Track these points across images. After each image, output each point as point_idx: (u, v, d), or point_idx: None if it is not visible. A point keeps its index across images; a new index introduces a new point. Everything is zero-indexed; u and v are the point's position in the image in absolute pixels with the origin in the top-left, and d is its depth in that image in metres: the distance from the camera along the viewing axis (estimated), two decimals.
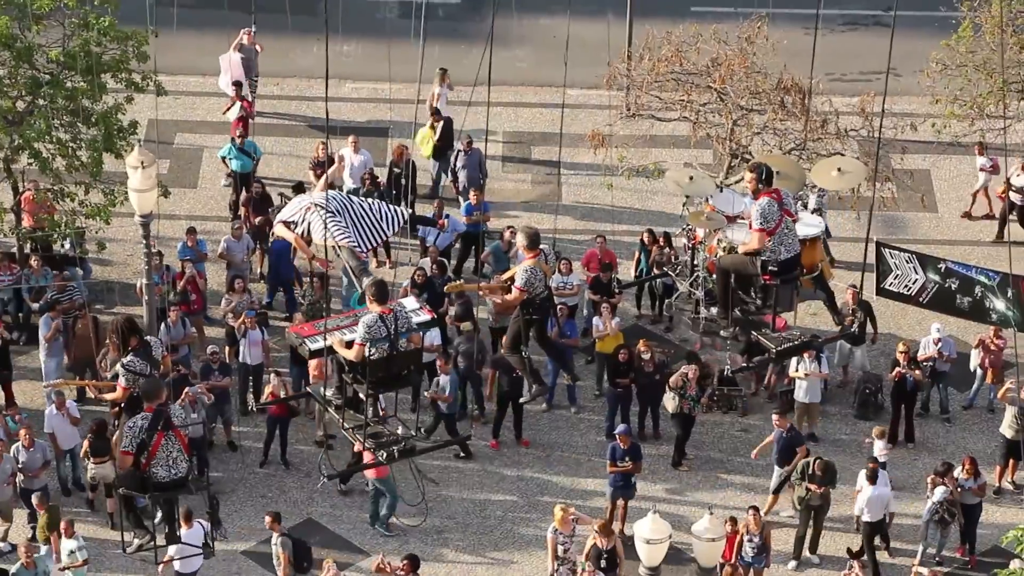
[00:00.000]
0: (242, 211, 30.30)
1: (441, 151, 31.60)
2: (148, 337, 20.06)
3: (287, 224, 20.35)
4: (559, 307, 28.12)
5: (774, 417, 26.17)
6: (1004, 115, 29.34)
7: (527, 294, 20.09)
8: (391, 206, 20.41)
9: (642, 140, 31.01)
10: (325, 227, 19.87)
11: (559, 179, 32.18)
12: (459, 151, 31.08)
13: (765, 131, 29.74)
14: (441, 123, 31.66)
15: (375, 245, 20.99)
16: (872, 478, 25.39)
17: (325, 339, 19.62)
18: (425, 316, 20.15)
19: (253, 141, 30.92)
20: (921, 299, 29.34)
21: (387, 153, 31.65)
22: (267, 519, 25.04)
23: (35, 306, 28.37)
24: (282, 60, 33.89)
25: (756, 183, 20.16)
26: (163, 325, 27.61)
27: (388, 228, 20.43)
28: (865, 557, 25.08)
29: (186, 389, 26.34)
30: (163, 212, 28.91)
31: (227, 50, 32.38)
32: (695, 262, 22.33)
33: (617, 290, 28.49)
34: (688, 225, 21.91)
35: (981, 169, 31.24)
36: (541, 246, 20.33)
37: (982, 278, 28.69)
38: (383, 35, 33.64)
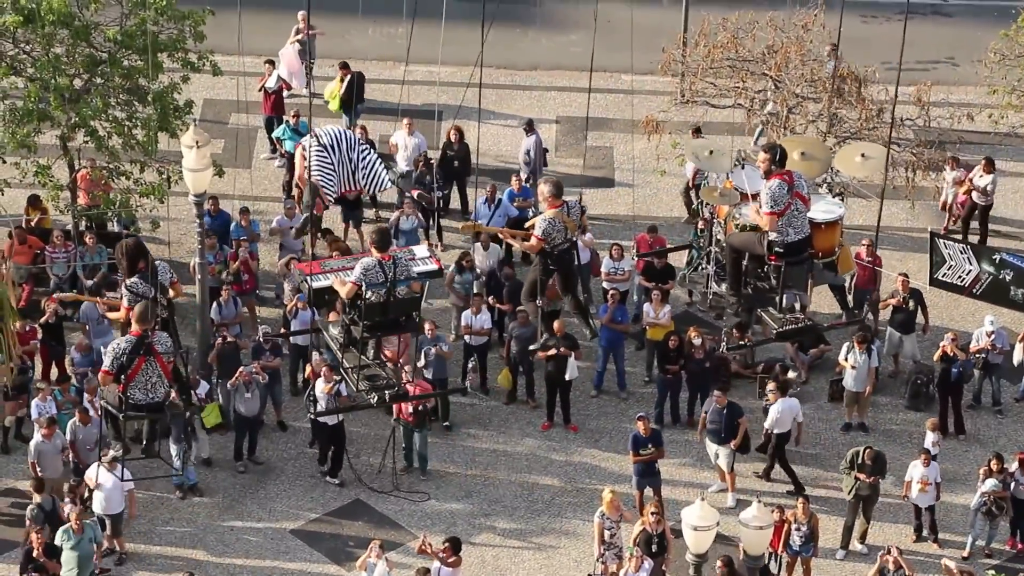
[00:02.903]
0: (295, 192, 30.39)
1: (348, 104, 31.65)
2: (157, 261, 20.43)
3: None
4: (611, 293, 28.17)
5: (715, 394, 26.05)
6: None
7: (546, 244, 20.35)
8: (380, 168, 20.88)
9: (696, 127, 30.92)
10: (308, 159, 20.43)
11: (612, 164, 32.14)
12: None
13: (820, 119, 29.62)
14: (349, 76, 31.61)
15: (344, 192, 21.40)
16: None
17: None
18: (431, 266, 20.64)
19: (306, 122, 31.03)
20: (975, 290, 29.16)
21: (439, 136, 31.69)
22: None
23: (90, 283, 28.55)
24: (338, 42, 33.95)
25: (769, 163, 20.17)
26: (215, 304, 27.76)
27: (365, 183, 20.95)
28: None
29: (240, 369, 26.52)
30: (217, 192, 29.09)
31: (286, 34, 32.50)
32: (713, 237, 22.20)
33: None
34: (702, 200, 21.89)
35: (956, 182, 30.58)
36: (566, 198, 20.53)
37: None
38: (439, 18, 33.68)
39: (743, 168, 21.61)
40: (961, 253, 29.19)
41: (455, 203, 31.16)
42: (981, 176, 30.38)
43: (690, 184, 30.46)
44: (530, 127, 31.13)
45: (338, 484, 26.52)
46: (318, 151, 21.19)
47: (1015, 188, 31.82)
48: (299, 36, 32.62)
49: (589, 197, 31.44)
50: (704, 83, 30.59)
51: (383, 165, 25.30)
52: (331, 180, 21.71)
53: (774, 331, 21.00)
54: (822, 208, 20.95)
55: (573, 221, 20.79)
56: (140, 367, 19.80)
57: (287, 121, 31.40)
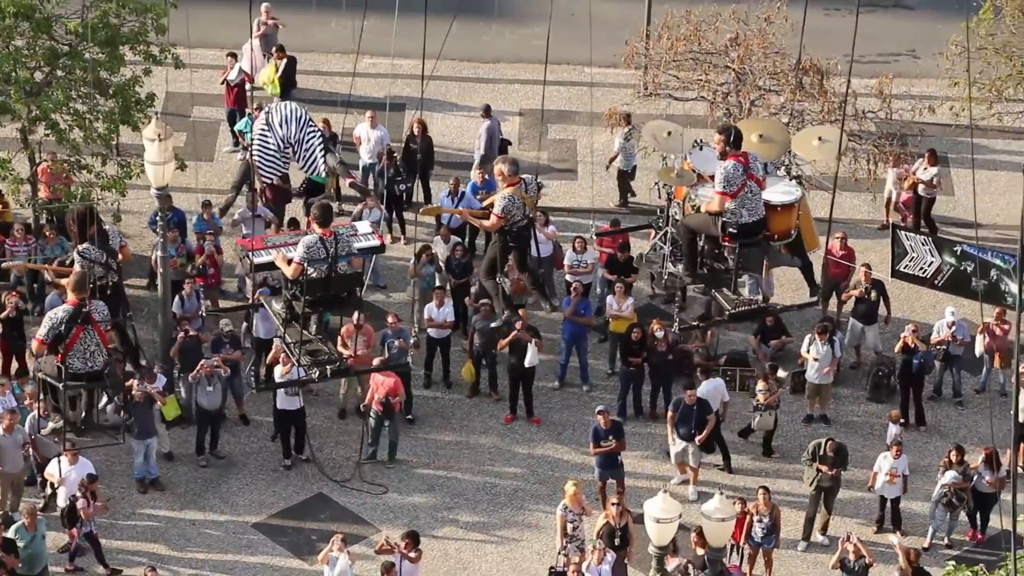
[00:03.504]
0: (258, 183, 30.31)
1: (286, 88, 31.73)
2: (107, 227, 20.49)
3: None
4: (574, 286, 28.20)
5: (687, 393, 26.11)
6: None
7: (505, 221, 20.45)
8: (319, 152, 21.01)
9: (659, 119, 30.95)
10: (254, 135, 20.63)
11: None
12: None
13: (783, 111, 29.68)
14: (285, 60, 31.66)
15: (275, 176, 21.54)
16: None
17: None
18: (372, 242, 20.82)
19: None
20: (936, 282, 29.27)
21: (403, 128, 31.66)
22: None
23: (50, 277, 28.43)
24: (301, 35, 33.88)
25: (724, 145, 20.29)
26: (177, 298, 27.67)
27: (302, 164, 21.07)
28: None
29: (202, 362, 26.45)
30: (179, 185, 28.99)
31: (246, 29, 32.40)
32: (670, 217, 22.23)
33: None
34: (659, 180, 21.94)
35: (901, 178, 30.57)
36: (523, 176, 20.68)
37: (998, 261, 28.58)
38: (402, 10, 33.60)
39: (701, 150, 21.68)
40: (923, 245, 29.29)
41: (418, 196, 31.12)
42: (925, 169, 30.44)
43: (608, 163, 30.65)
44: (487, 112, 31.16)
45: (288, 466, 26.43)
46: (261, 131, 21.43)
47: (976, 179, 31.90)
48: (263, 30, 32.56)
49: (552, 190, 31.47)
50: (667, 76, 30.64)
51: (323, 151, 25.40)
52: (269, 161, 21.86)
53: (727, 312, 21.16)
54: (779, 190, 21.01)
55: (531, 197, 20.98)
56: (78, 336, 19.86)
57: (249, 114, 31.33)
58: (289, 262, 20.20)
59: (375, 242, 21.03)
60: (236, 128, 31.80)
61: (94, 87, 28.03)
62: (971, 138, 29.62)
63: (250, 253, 20.71)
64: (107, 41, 27.95)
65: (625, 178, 31.17)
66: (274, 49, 32.15)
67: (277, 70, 31.94)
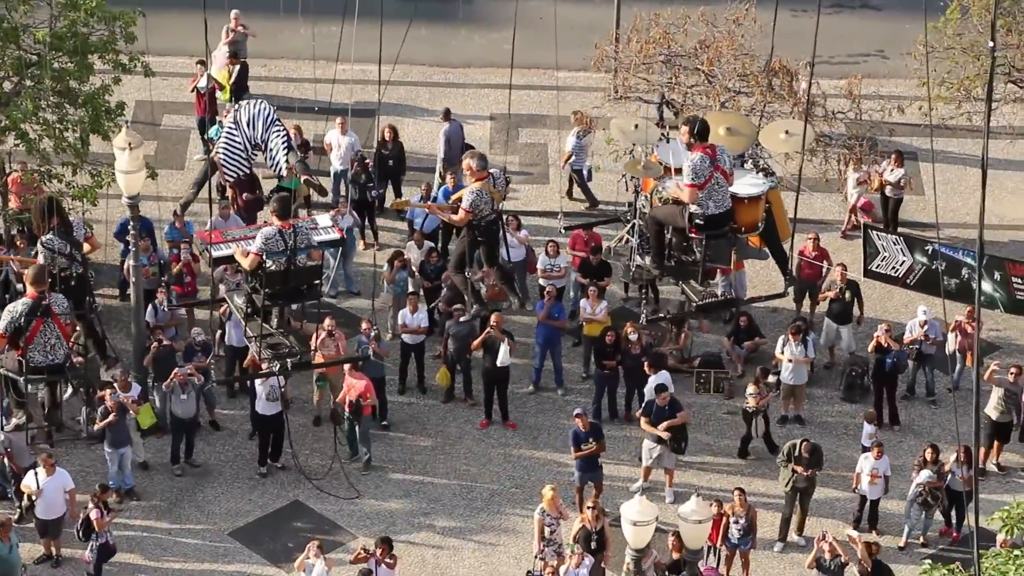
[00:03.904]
0: (229, 192, 30.26)
1: (238, 95, 31.77)
2: (72, 218, 20.52)
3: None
4: (547, 289, 28.23)
5: (660, 395, 26.11)
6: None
7: (472, 215, 20.55)
8: (281, 153, 21.09)
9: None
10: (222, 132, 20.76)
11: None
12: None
13: (753, 113, 29.77)
14: (238, 66, 31.70)
15: (237, 176, 21.72)
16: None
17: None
18: (332, 235, 20.98)
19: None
20: (908, 281, 29.41)
21: (374, 134, 31.64)
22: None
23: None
24: (270, 42, 33.85)
25: (689, 136, 20.41)
26: (150, 306, 27.61)
27: (271, 165, 21.22)
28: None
29: (175, 370, 26.39)
30: (150, 194, 28.92)
31: (217, 35, 32.38)
32: (637, 210, 22.33)
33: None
34: (626, 173, 22.11)
35: (860, 182, 30.61)
36: (491, 170, 20.79)
37: (969, 260, 28.74)
38: (372, 16, 33.55)
39: (668, 142, 21.79)
40: (895, 244, 29.42)
41: (390, 202, 31.12)
42: (892, 170, 30.55)
43: (563, 163, 30.74)
44: (447, 116, 31.18)
45: (263, 474, 26.39)
46: (229, 129, 21.57)
47: (945, 180, 32.07)
48: (232, 36, 32.50)
49: (524, 194, 31.50)
50: (637, 79, 30.70)
51: (286, 150, 25.48)
52: (233, 160, 21.93)
53: (694, 304, 21.29)
54: (746, 182, 21.13)
55: (499, 192, 21.09)
56: (38, 329, 19.88)
57: (219, 122, 31.27)
58: (247, 255, 20.26)
59: (335, 235, 21.25)
60: (207, 136, 31.74)
61: (63, 96, 27.94)
62: (931, 136, 29.76)
63: (209, 247, 20.86)
64: (76, 50, 27.86)
65: (582, 178, 31.22)
66: (226, 55, 32.09)
67: (230, 76, 31.91)
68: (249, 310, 20.89)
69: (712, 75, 30.13)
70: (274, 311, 20.95)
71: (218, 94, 31.88)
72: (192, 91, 32.00)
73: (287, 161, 26.33)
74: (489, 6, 35.48)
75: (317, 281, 20.83)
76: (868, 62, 34.08)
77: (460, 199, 21.06)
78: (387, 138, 30.81)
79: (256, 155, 23.38)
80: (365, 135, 31.65)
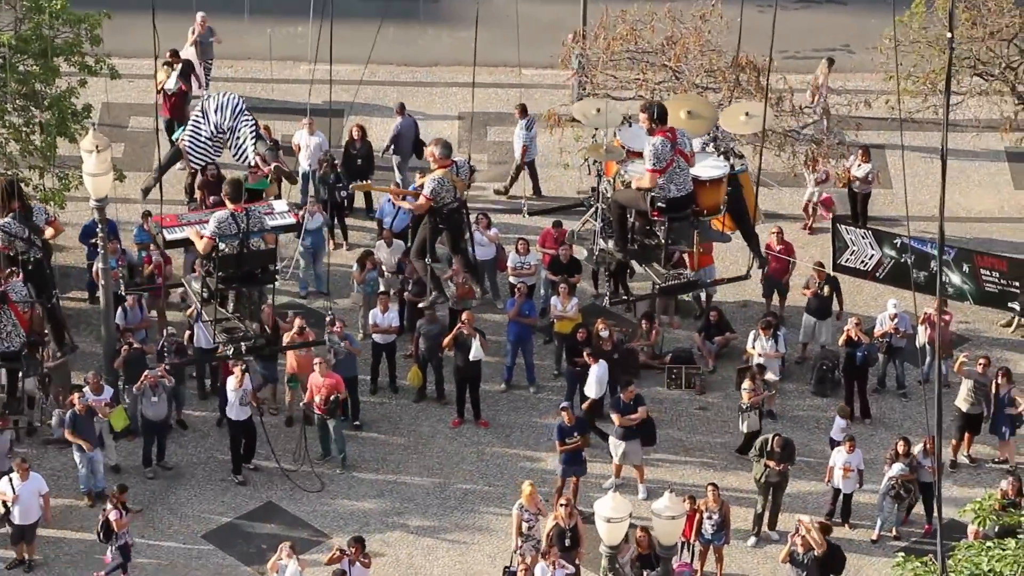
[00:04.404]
0: (198, 194, 30.22)
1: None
2: (33, 203, 20.45)
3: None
4: (518, 287, 28.24)
5: (627, 389, 26.13)
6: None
7: (433, 202, 20.76)
8: (249, 142, 21.13)
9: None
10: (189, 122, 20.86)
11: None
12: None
13: (720, 108, 29.79)
14: (180, 65, 31.60)
15: (205, 164, 21.83)
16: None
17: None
18: (287, 219, 21.07)
19: None
20: (877, 274, 29.50)
21: (342, 134, 31.60)
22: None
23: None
24: (236, 43, 33.77)
25: (649, 122, 20.50)
26: (120, 309, 27.52)
27: (234, 151, 21.32)
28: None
29: (146, 372, 26.32)
30: (118, 196, 28.83)
31: (184, 37, 32.26)
32: (601, 194, 22.36)
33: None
34: (588, 157, 22.12)
35: (818, 182, 30.63)
36: (455, 158, 20.89)
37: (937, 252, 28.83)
38: (340, 16, 33.48)
39: (630, 126, 21.82)
40: (863, 238, 29.52)
41: (360, 202, 31.10)
42: (859, 166, 30.63)
43: (520, 162, 30.77)
44: (401, 110, 31.18)
45: (240, 482, 26.39)
46: (195, 117, 21.64)
47: (913, 173, 32.19)
48: (195, 36, 32.37)
49: (492, 193, 31.48)
50: (605, 75, 30.72)
51: (254, 138, 25.56)
52: (200, 148, 21.97)
53: (657, 286, 21.38)
54: (708, 165, 21.18)
55: (462, 180, 21.17)
56: None
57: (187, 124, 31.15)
58: (201, 237, 20.42)
59: (290, 220, 21.32)
60: (174, 137, 31.54)
61: (29, 99, 27.83)
62: (900, 130, 29.90)
63: (163, 229, 20.93)
64: (41, 53, 27.75)
65: (533, 169, 31.30)
66: (167, 53, 31.91)
67: (169, 75, 31.78)
68: (206, 294, 20.97)
69: (679, 71, 30.17)
70: (230, 295, 21.00)
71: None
72: (159, 92, 31.88)
73: (255, 148, 26.30)
74: (457, 4, 35.45)
75: (272, 265, 20.88)
76: (835, 56, 34.15)
77: (422, 186, 21.21)
78: (355, 137, 30.76)
79: (221, 150, 23.35)
80: (333, 135, 31.59)
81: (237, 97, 24.05)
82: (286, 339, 26.30)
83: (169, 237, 20.99)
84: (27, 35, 27.61)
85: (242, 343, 20.73)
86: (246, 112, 25.94)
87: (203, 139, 21.69)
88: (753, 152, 28.01)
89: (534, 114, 31.14)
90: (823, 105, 31.42)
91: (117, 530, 24.47)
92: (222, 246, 20.32)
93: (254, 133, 25.46)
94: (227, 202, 20.50)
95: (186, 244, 21.09)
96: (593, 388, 26.85)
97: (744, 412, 26.80)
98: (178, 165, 31.58)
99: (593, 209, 21.90)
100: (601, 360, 26.82)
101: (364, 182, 28.34)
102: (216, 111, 21.82)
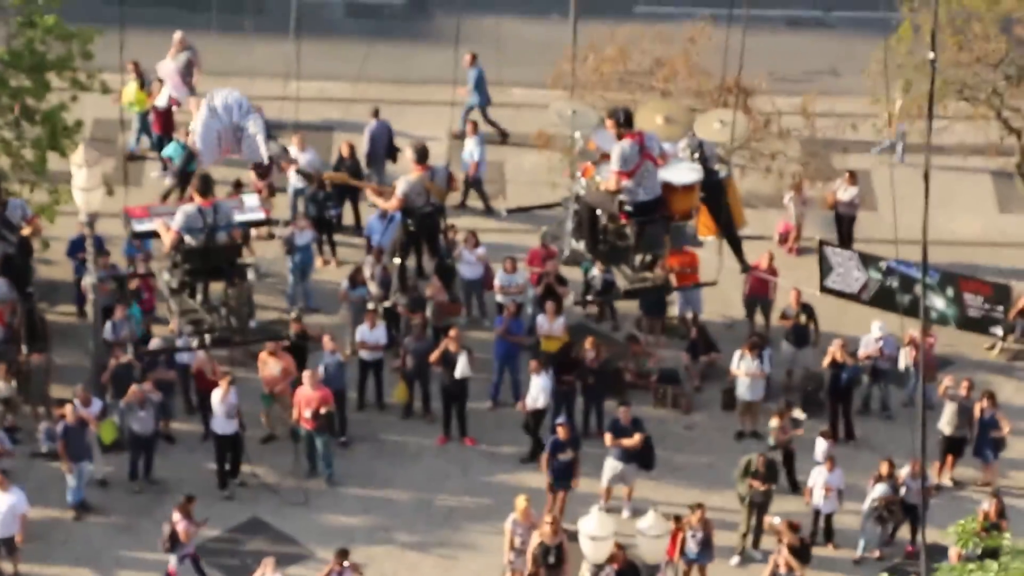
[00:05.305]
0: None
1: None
2: (9, 199, 20.56)
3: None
4: (507, 305, 28.34)
5: (621, 409, 26.23)
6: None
7: (403, 203, 21.18)
8: (261, 140, 21.26)
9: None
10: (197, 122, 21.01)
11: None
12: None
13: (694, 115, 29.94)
14: (164, 83, 31.81)
15: (213, 160, 21.94)
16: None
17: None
18: (257, 215, 21.30)
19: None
20: (863, 297, 29.64)
21: (333, 151, 31.71)
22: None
23: None
24: (226, 59, 33.85)
25: (616, 127, 20.61)
26: (108, 323, 27.59)
27: (246, 150, 21.47)
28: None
29: (133, 387, 26.38)
30: (108, 211, 28.88)
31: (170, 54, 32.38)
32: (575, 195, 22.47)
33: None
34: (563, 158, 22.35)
35: (804, 203, 30.83)
36: (432, 164, 21.09)
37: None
38: (329, 34, 33.66)
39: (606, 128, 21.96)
40: (849, 260, 29.67)
41: (348, 219, 31.19)
42: (845, 189, 30.78)
43: (470, 174, 30.92)
44: (375, 114, 31.30)
45: (227, 497, 26.45)
46: (204, 118, 21.76)
47: (899, 196, 32.28)
48: (173, 53, 32.40)
49: (481, 212, 31.56)
50: (594, 96, 30.86)
51: (266, 139, 25.70)
52: (208, 143, 22.10)
53: (624, 288, 21.51)
54: (682, 170, 21.25)
55: (439, 187, 21.30)
56: None
57: (177, 139, 31.28)
58: (168, 230, 20.58)
59: (260, 215, 21.49)
60: (164, 154, 31.72)
61: (20, 114, 27.91)
62: (891, 152, 30.06)
63: (132, 220, 21.11)
64: (33, 68, 27.85)
65: (481, 185, 31.47)
66: (129, 64, 31.93)
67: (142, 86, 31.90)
68: (175, 286, 21.18)
69: (668, 93, 30.33)
70: (199, 287, 21.18)
71: (132, 108, 31.63)
72: (150, 102, 31.96)
73: (269, 148, 26.41)
74: (449, 23, 35.55)
75: (240, 260, 21.07)
76: (822, 79, 34.36)
77: (396, 186, 21.52)
78: (345, 155, 30.87)
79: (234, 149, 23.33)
80: (323, 152, 31.72)
81: (239, 94, 24.16)
82: (260, 356, 26.40)
83: (137, 228, 21.19)
84: (19, 50, 27.70)
85: (207, 334, 20.94)
86: (252, 109, 26.08)
87: (214, 138, 21.74)
88: (740, 175, 28.18)
89: (484, 132, 31.32)
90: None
91: (185, 541, 24.52)
92: (188, 239, 20.49)
93: (265, 130, 25.62)
94: (196, 196, 20.70)
95: (154, 235, 21.26)
96: (539, 398, 26.84)
97: (772, 451, 26.67)
98: (167, 181, 31.80)
99: (569, 210, 22.00)
100: (545, 370, 26.80)
101: (338, 173, 28.58)
102: (224, 110, 21.88)
